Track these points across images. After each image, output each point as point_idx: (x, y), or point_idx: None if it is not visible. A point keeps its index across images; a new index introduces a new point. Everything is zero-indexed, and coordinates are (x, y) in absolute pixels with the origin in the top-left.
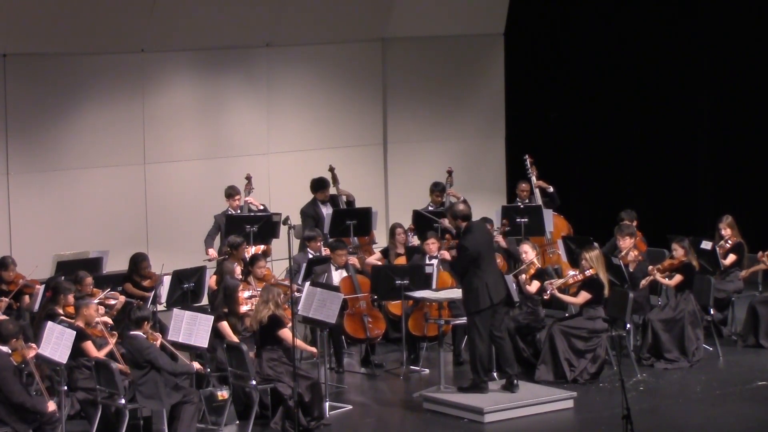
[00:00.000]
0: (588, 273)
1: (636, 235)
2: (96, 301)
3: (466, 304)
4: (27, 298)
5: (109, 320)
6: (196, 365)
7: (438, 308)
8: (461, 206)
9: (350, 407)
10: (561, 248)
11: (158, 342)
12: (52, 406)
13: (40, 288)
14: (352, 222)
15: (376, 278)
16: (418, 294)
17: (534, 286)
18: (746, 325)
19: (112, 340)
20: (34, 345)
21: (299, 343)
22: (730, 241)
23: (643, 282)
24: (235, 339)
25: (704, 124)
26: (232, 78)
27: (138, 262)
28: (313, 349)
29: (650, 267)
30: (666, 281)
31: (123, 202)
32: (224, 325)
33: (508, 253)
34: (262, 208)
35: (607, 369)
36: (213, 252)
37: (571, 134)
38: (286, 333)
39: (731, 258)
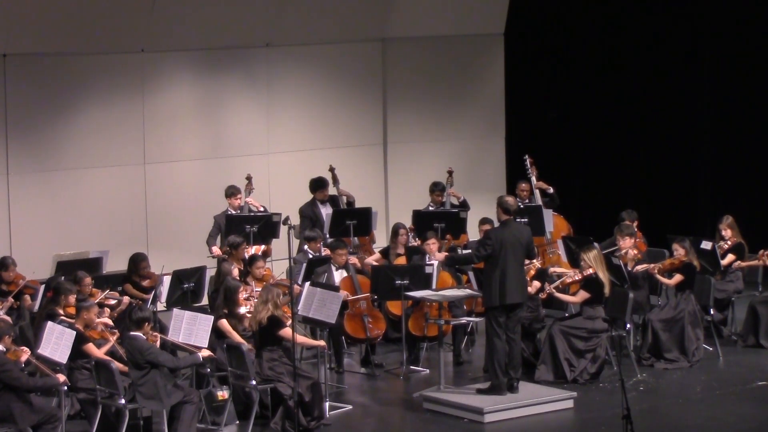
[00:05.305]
0: (586, 273)
1: (636, 236)
2: (95, 301)
3: (482, 299)
4: (27, 298)
5: (109, 321)
6: (206, 353)
7: (438, 308)
8: (510, 199)
9: (350, 407)
10: (561, 248)
11: (158, 342)
12: (62, 377)
13: (41, 288)
14: (352, 222)
15: (376, 278)
16: (418, 294)
17: (534, 287)
18: (746, 325)
19: (113, 338)
20: (25, 348)
21: (304, 339)
22: (729, 242)
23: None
24: (237, 337)
25: (705, 124)
26: (232, 78)
27: (138, 262)
28: (321, 343)
29: (645, 265)
30: (666, 280)
31: (123, 202)
32: (224, 323)
33: None
34: (262, 210)
35: (607, 369)
36: (217, 249)
37: (571, 134)
38: (286, 332)
39: (729, 258)
